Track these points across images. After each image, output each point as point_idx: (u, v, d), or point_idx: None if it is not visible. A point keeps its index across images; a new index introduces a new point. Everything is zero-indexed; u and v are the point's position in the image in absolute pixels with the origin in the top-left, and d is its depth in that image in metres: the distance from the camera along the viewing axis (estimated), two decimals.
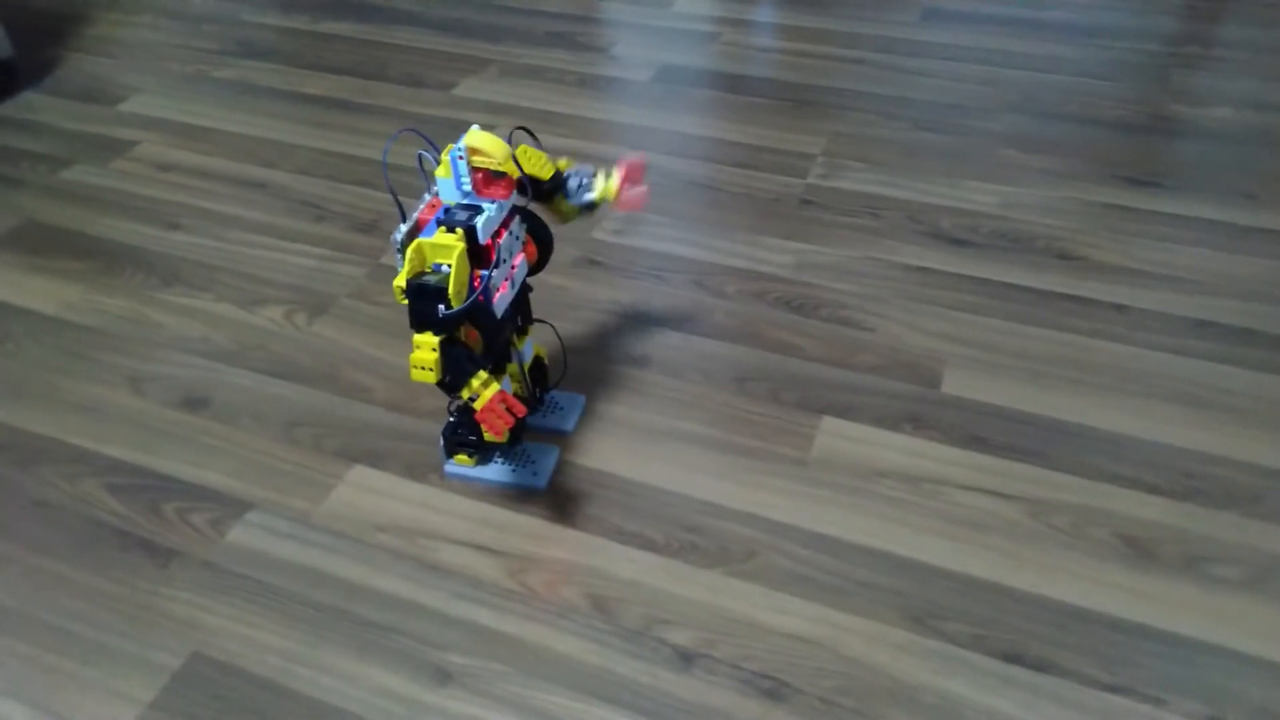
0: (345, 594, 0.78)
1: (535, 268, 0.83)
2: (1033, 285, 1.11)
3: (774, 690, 0.71)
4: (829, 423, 0.93)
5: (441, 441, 0.86)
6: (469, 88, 1.57)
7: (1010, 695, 0.71)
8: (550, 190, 0.80)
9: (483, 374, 0.73)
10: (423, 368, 0.70)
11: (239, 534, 0.83)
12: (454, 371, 0.72)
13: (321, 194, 1.30)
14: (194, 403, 0.97)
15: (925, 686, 0.71)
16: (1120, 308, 1.07)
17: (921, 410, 0.94)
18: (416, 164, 0.86)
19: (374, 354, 1.02)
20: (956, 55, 1.66)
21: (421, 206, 0.75)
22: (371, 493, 0.87)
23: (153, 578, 0.80)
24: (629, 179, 0.81)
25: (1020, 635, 0.74)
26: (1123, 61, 1.63)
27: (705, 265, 1.15)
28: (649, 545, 0.82)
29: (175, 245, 1.20)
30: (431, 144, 0.75)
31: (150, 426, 0.94)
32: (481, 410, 0.73)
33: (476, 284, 0.73)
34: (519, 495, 0.86)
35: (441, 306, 0.69)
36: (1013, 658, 0.73)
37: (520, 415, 0.73)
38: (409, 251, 0.70)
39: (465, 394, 0.73)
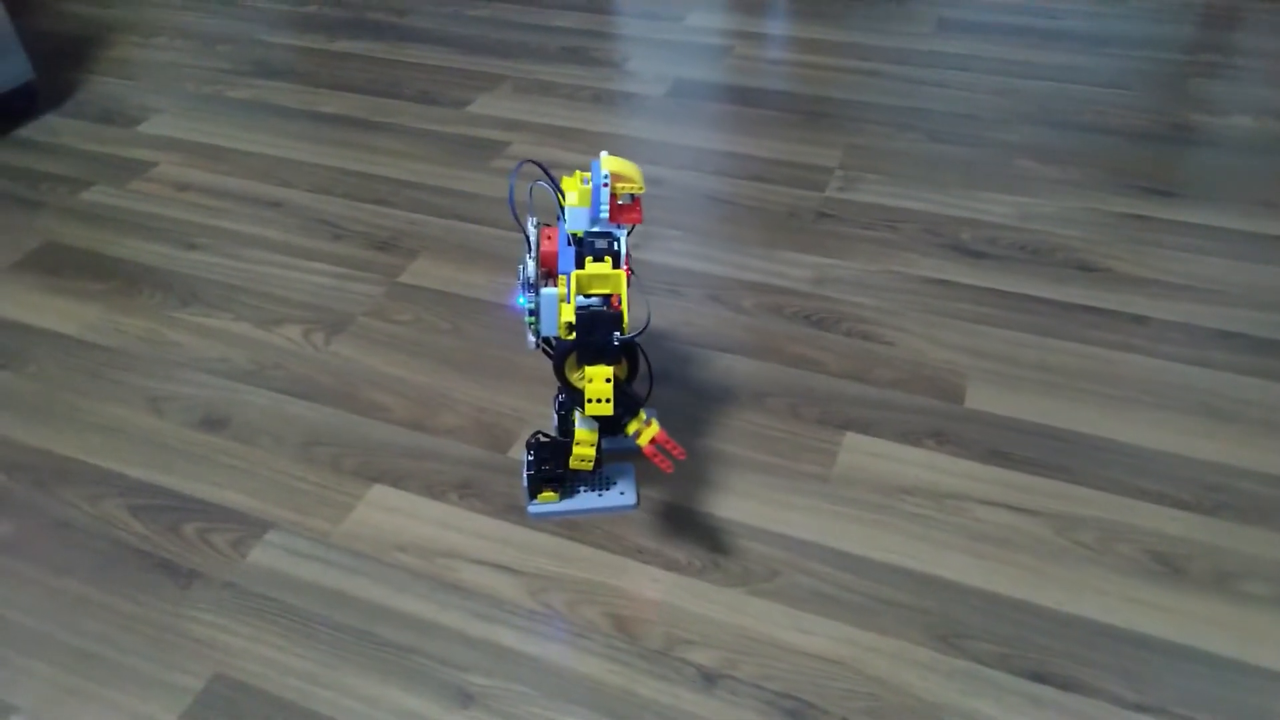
0: (366, 615, 0.78)
1: None
2: (1053, 297, 1.10)
3: (798, 711, 0.70)
4: (851, 439, 0.92)
5: (525, 482, 0.84)
6: (483, 104, 1.58)
7: (1037, 715, 0.70)
8: None
9: (643, 411, 0.71)
10: (602, 400, 0.67)
11: (259, 554, 0.83)
12: (625, 404, 0.69)
13: (338, 212, 1.30)
14: (213, 423, 0.97)
15: (951, 706, 0.70)
16: (1141, 319, 1.07)
17: (944, 425, 0.94)
18: (528, 195, 0.85)
19: (392, 372, 1.02)
20: (971, 66, 1.66)
21: (534, 237, 0.73)
22: (391, 512, 0.87)
23: (174, 599, 0.80)
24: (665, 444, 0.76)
25: (1047, 654, 0.74)
26: (1139, 70, 1.63)
27: (722, 280, 1.15)
28: (670, 564, 0.81)
29: (193, 265, 1.21)
30: (550, 176, 0.74)
31: (170, 447, 0.94)
32: (647, 445, 0.71)
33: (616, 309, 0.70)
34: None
35: (617, 334, 0.67)
36: (1039, 677, 0.72)
37: (680, 459, 0.73)
38: (572, 281, 0.67)
39: (632, 428, 0.71)
